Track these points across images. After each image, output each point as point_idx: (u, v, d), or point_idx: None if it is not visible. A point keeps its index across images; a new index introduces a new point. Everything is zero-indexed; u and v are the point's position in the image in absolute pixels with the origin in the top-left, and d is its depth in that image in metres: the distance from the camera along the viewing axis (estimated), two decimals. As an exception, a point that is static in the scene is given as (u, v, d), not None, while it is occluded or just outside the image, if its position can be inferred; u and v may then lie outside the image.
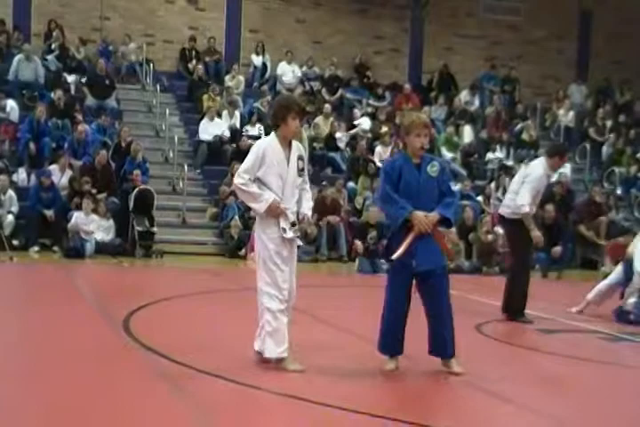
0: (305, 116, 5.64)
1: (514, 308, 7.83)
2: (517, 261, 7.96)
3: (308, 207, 5.35)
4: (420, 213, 5.22)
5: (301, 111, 5.36)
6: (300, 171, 5.29)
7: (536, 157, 18.42)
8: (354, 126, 17.89)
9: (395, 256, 5.24)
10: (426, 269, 5.25)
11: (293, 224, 5.23)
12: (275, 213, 5.16)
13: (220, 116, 16.63)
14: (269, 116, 5.43)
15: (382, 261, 13.05)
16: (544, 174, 7.91)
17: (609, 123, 20.12)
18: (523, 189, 7.78)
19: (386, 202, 5.35)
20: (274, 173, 5.20)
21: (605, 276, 9.38)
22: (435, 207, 5.28)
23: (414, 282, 5.34)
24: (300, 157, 5.32)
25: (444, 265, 5.42)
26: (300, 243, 5.34)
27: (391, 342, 5.36)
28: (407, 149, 5.41)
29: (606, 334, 7.56)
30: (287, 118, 5.23)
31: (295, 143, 5.36)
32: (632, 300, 8.30)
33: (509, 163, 17.97)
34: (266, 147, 5.25)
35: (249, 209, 14.23)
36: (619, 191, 18.27)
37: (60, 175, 14.01)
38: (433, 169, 5.33)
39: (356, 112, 18.34)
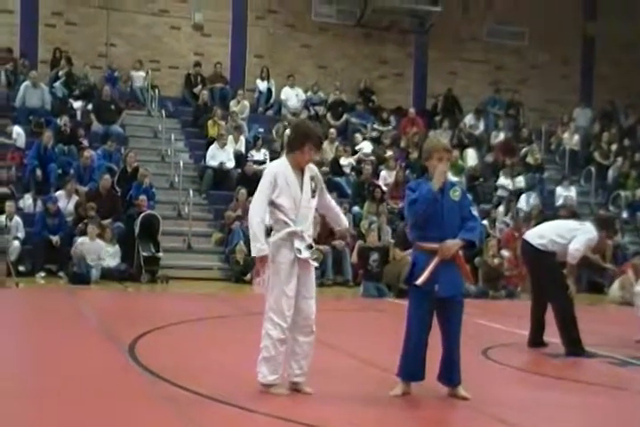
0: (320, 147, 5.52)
1: (575, 341, 7.54)
2: (562, 294, 7.64)
3: (344, 219, 5.63)
4: (450, 243, 5.22)
5: (321, 142, 5.31)
6: (313, 192, 5.26)
7: (541, 179, 18.66)
8: (357, 151, 17.95)
9: (419, 282, 5.22)
10: (447, 295, 5.25)
11: (310, 246, 5.20)
12: (259, 263, 5.18)
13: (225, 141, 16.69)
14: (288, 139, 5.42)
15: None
16: (594, 239, 7.81)
17: (614, 146, 20.17)
18: (582, 240, 7.61)
19: (413, 203, 5.27)
20: (287, 195, 5.18)
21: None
22: (457, 232, 5.28)
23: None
24: (312, 178, 5.29)
25: (462, 292, 5.44)
26: (315, 264, 5.26)
27: (412, 367, 5.32)
28: (429, 174, 5.38)
29: (614, 359, 7.51)
30: (304, 147, 5.22)
31: (308, 165, 5.30)
32: None
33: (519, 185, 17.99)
34: (277, 171, 5.23)
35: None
36: (624, 215, 18.24)
37: (66, 201, 14.06)
38: (455, 194, 5.35)
39: (358, 137, 18.40)
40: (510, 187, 17.99)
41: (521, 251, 8.37)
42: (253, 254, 5.22)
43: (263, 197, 5.18)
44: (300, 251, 5.17)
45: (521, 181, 18.21)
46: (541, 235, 7.84)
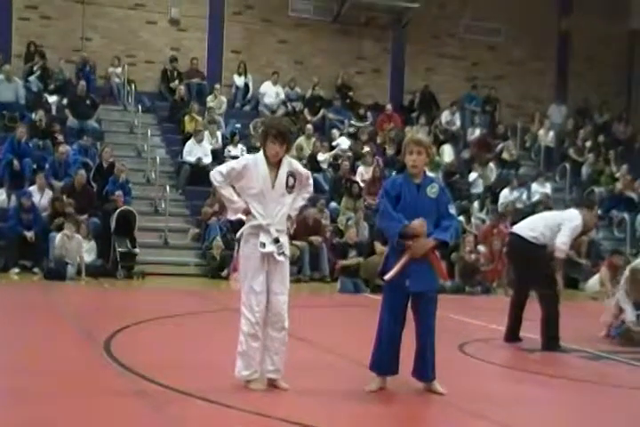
0: (287, 139, 5.42)
1: (553, 336, 7.61)
2: (549, 287, 7.74)
3: (294, 207, 5.35)
4: (416, 224, 5.21)
5: (279, 135, 5.21)
6: (290, 188, 5.24)
7: (516, 175, 18.77)
8: (334, 147, 17.96)
9: (387, 277, 5.25)
10: (418, 290, 5.26)
11: (276, 240, 5.17)
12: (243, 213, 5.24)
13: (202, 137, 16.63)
14: None
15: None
16: (579, 226, 7.87)
17: (588, 143, 20.32)
18: (566, 232, 7.67)
19: (383, 218, 5.37)
20: (255, 188, 5.19)
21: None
22: (432, 229, 5.28)
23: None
24: (291, 174, 5.25)
25: (435, 288, 5.43)
26: (281, 259, 5.20)
27: (384, 361, 5.34)
28: (407, 169, 5.44)
29: (588, 353, 7.59)
30: (267, 141, 5.24)
31: (286, 160, 5.28)
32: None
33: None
34: (249, 162, 5.27)
35: (231, 230, 14.33)
36: (598, 211, 18.38)
37: (39, 196, 13.91)
38: (432, 190, 5.36)
39: (335, 132, 18.42)
40: (481, 182, 18.10)
41: (510, 244, 8.32)
42: (231, 217, 5.39)
43: (223, 171, 5.24)
44: (263, 245, 5.15)
45: (492, 169, 18.30)
46: (532, 228, 7.86)
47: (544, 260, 7.79)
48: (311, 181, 5.48)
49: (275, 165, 5.25)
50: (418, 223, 5.23)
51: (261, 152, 5.32)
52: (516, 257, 8.16)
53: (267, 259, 5.18)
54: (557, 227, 7.74)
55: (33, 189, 14.04)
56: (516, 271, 8.34)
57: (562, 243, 7.69)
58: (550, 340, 7.60)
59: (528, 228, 7.90)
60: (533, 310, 7.80)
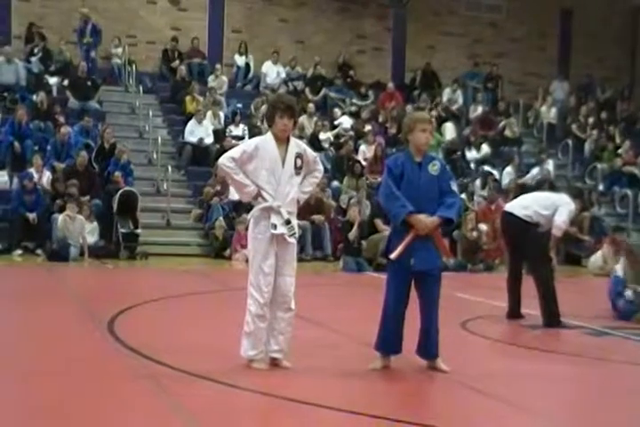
0: (295, 114, 5.42)
1: (553, 313, 7.65)
2: (545, 266, 7.81)
3: (302, 191, 5.32)
4: (420, 216, 5.21)
5: (288, 109, 5.21)
6: (298, 169, 5.23)
7: (519, 153, 18.73)
8: (336, 126, 17.91)
9: (393, 256, 5.25)
10: (423, 268, 5.27)
11: (287, 222, 5.17)
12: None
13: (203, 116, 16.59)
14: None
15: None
16: (574, 210, 8.04)
17: (591, 119, 20.24)
18: (565, 212, 7.77)
19: (388, 199, 5.34)
20: (266, 168, 5.17)
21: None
22: (435, 206, 5.27)
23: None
24: (299, 155, 5.24)
25: (440, 267, 5.43)
26: (292, 241, 5.21)
27: (389, 340, 5.36)
28: (410, 147, 5.41)
29: (590, 329, 7.60)
30: (275, 117, 5.22)
31: (294, 141, 5.28)
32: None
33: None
34: (259, 142, 5.26)
35: (234, 210, 14.34)
36: (601, 187, 18.38)
37: (37, 177, 13.87)
38: (434, 168, 5.34)
39: (337, 111, 18.37)
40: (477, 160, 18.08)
41: (504, 223, 8.33)
42: (245, 200, 5.34)
43: (234, 155, 5.19)
44: (275, 226, 5.14)
45: (485, 148, 18.26)
46: (525, 206, 7.92)
47: (538, 238, 7.83)
48: (320, 167, 5.45)
49: (283, 142, 5.23)
50: (424, 224, 5.21)
51: (269, 133, 5.31)
52: (509, 235, 8.20)
53: (276, 240, 5.18)
54: (553, 207, 7.82)
55: (31, 170, 14.01)
56: (509, 249, 8.36)
57: (562, 221, 7.81)
58: (550, 316, 7.63)
59: (521, 206, 7.97)
60: (535, 287, 7.81)
